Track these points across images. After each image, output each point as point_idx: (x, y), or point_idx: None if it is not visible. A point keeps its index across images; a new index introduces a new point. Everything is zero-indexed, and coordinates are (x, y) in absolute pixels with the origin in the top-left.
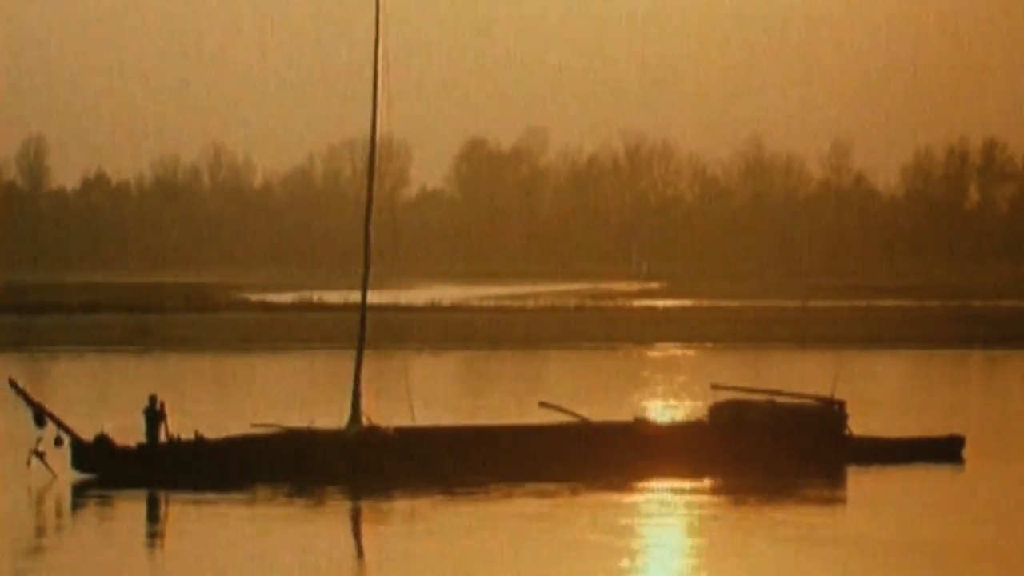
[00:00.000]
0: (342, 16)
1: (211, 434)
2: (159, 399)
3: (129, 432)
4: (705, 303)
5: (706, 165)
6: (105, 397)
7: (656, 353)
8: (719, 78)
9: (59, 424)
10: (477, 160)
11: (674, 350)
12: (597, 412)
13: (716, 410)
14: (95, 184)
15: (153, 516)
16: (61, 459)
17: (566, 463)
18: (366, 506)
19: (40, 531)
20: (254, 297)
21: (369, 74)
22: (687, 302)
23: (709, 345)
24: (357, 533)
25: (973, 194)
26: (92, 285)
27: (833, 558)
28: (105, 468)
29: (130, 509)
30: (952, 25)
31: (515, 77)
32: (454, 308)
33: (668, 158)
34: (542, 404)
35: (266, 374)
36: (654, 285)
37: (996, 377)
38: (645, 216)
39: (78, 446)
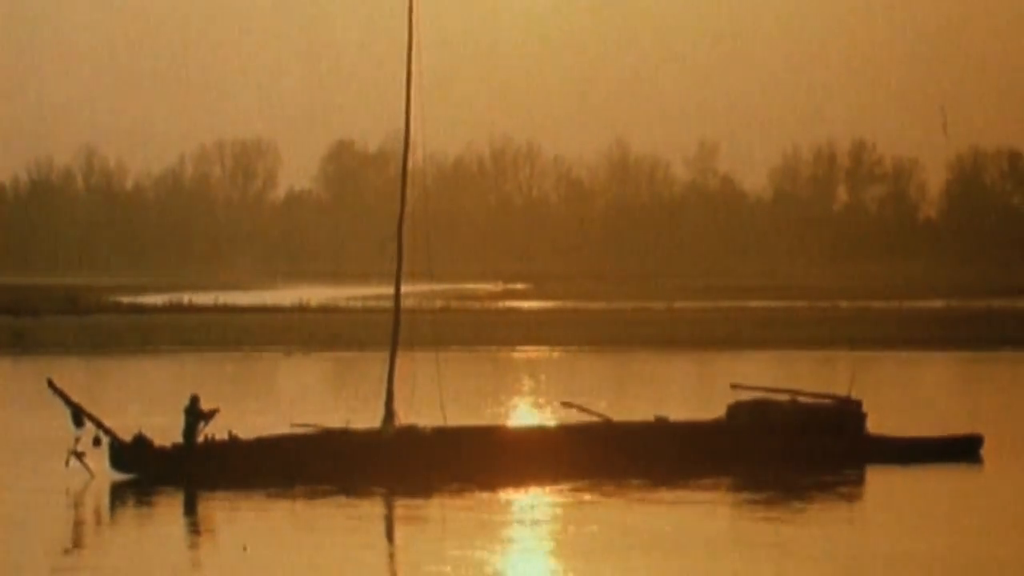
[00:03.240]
0: (213, 17)
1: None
2: (200, 399)
3: None
4: (570, 305)
5: (571, 167)
6: None
7: (520, 355)
8: (583, 80)
9: (98, 424)
10: (344, 161)
11: (538, 352)
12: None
13: (735, 409)
14: None
15: (191, 516)
16: (99, 459)
17: (591, 462)
18: (402, 506)
19: (78, 531)
20: (126, 299)
21: (239, 74)
22: (552, 304)
23: (574, 347)
24: (391, 534)
25: (841, 195)
26: None
27: (855, 561)
28: (143, 468)
29: (168, 509)
30: (818, 25)
31: (381, 78)
32: (321, 309)
33: (533, 160)
34: (564, 404)
35: (139, 376)
36: (519, 286)
37: (867, 379)
38: (510, 218)
39: (116, 446)
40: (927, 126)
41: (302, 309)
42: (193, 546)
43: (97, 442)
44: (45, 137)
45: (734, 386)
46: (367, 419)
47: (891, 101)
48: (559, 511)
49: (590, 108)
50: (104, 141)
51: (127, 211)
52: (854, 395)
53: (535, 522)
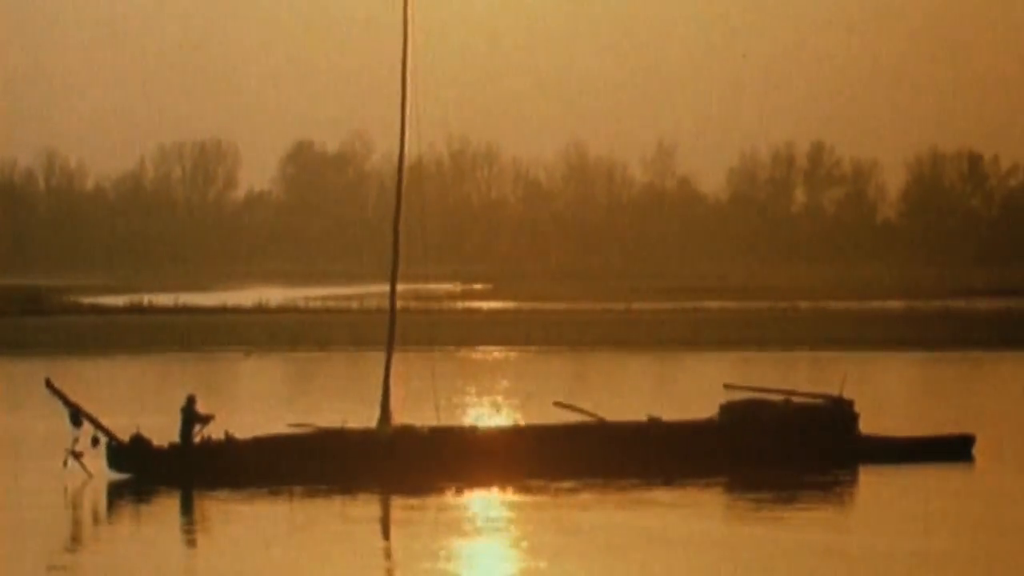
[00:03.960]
0: (172, 19)
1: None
2: (196, 399)
3: None
4: (528, 305)
5: (529, 168)
6: None
7: (479, 355)
8: (541, 81)
9: (96, 424)
10: (303, 162)
11: (498, 353)
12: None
13: (727, 409)
14: None
15: (188, 515)
16: (97, 459)
17: (585, 462)
18: (398, 505)
19: (76, 531)
20: (86, 300)
21: (200, 74)
22: (510, 304)
23: (533, 348)
24: (387, 533)
25: (800, 197)
26: None
27: (846, 561)
28: (141, 468)
29: (165, 508)
30: (776, 27)
31: (340, 79)
32: (281, 310)
33: (491, 161)
34: (557, 404)
35: (99, 378)
36: (477, 287)
37: (827, 380)
38: (469, 218)
39: (114, 446)
40: (885, 128)
41: (262, 310)
42: (190, 545)
43: (95, 442)
44: (8, 138)
45: (727, 386)
46: (332, 418)
47: (850, 103)
48: (554, 510)
49: (548, 109)
50: (65, 142)
51: (88, 212)
52: (845, 395)
53: (530, 521)
